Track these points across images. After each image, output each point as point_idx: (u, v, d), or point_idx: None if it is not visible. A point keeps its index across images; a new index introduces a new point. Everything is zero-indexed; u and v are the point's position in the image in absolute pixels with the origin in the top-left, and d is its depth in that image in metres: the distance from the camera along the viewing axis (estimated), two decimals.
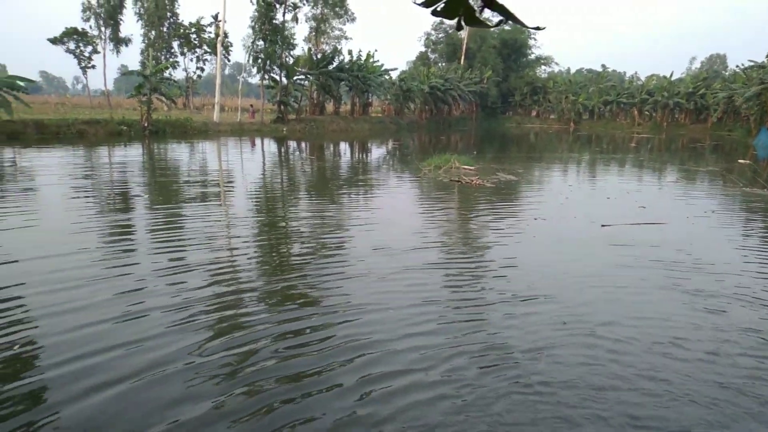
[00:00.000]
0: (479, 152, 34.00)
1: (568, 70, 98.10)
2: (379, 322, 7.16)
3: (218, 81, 47.79)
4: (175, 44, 62.04)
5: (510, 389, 5.57)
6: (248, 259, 10.19)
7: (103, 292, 8.02)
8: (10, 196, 15.90)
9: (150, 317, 7.17)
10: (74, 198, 15.92)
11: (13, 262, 9.35)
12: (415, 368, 6.00)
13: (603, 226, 13.24)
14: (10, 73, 33.29)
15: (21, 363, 5.89)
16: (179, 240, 11.35)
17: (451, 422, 4.98)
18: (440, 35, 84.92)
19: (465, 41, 78.89)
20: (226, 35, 50.12)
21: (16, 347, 6.15)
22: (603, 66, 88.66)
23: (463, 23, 2.97)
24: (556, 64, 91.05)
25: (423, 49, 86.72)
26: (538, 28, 2.97)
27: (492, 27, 3.22)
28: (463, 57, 78.89)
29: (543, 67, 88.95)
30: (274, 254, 10.69)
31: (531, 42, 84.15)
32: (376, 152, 36.51)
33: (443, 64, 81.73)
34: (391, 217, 14.46)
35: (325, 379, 5.72)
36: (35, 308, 7.29)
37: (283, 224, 13.47)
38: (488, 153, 34.60)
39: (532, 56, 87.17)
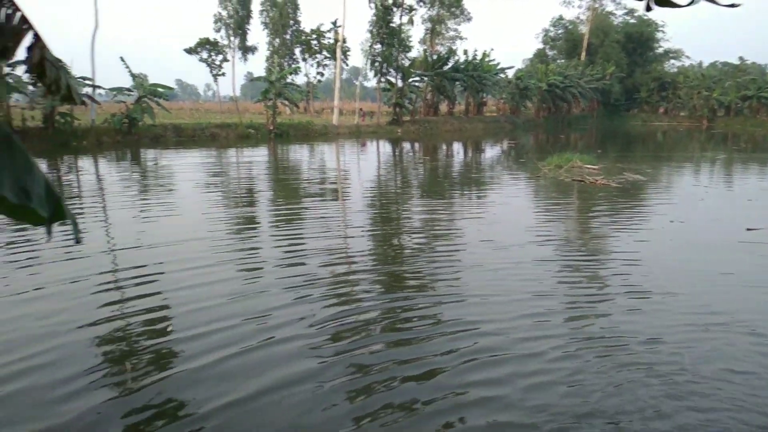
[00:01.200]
0: (603, 151, 32.36)
1: (700, 63, 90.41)
2: (490, 312, 7.02)
3: (337, 85, 49.49)
4: (297, 51, 65.13)
5: (629, 376, 5.25)
6: (362, 248, 10.46)
7: (229, 271, 8.67)
8: (153, 190, 17.56)
9: (269, 293, 7.68)
10: (206, 193, 17.21)
11: (154, 246, 10.28)
12: (526, 353, 5.83)
13: (748, 229, 11.96)
14: (151, 81, 36.64)
15: (157, 329, 6.49)
16: (298, 229, 11.93)
17: (567, 405, 4.79)
18: (559, 31, 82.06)
19: (586, 36, 75.58)
20: (344, 40, 51.73)
21: (170, 329, 6.68)
22: (741, 58, 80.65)
23: (652, 5, 2.80)
24: (687, 57, 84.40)
25: (541, 45, 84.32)
26: (732, 5, 2.70)
27: (683, 6, 2.95)
28: (584, 52, 75.61)
29: (672, 61, 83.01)
30: (386, 244, 10.86)
31: (658, 35, 78.87)
32: (491, 152, 35.94)
33: (562, 60, 78.82)
34: (505, 213, 14.14)
35: (433, 360, 5.71)
36: (171, 284, 8.04)
37: (396, 218, 13.66)
38: (612, 152, 32.79)
39: (660, 50, 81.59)
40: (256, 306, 7.16)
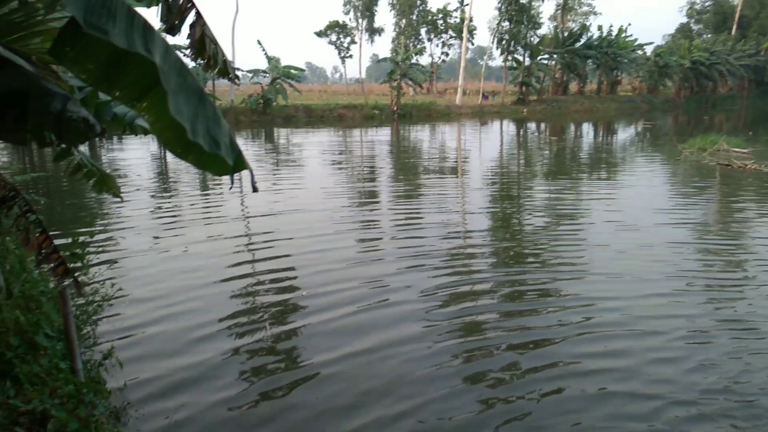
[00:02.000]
0: (754, 134, 29.22)
1: None
2: (611, 290, 6.76)
3: (462, 64, 48.95)
4: (423, 31, 65.07)
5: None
6: (480, 224, 10.45)
7: (349, 240, 9.14)
8: (283, 166, 18.64)
9: (385, 261, 7.97)
10: (332, 168, 17.94)
11: (283, 213, 11.01)
12: (649, 330, 5.56)
13: None
14: (284, 64, 38.48)
15: (283, 286, 7.00)
16: (416, 204, 12.15)
17: (694, 381, 4.57)
18: (706, 3, 74.53)
19: (739, 7, 67.98)
20: (471, 19, 50.91)
21: (304, 293, 7.16)
22: None
23: None
24: None
25: (684, 19, 77.13)
26: None
27: None
28: (735, 26, 68.09)
29: None
30: (505, 222, 10.71)
31: None
32: (624, 134, 33.78)
33: (708, 35, 71.62)
34: (637, 195, 13.28)
35: (546, 330, 5.62)
36: (297, 248, 8.60)
37: (517, 196, 13.38)
38: (766, 135, 29.51)
39: None
40: (372, 272, 7.50)
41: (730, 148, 20.78)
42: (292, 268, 7.72)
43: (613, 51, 52.31)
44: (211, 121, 2.48)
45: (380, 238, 9.29)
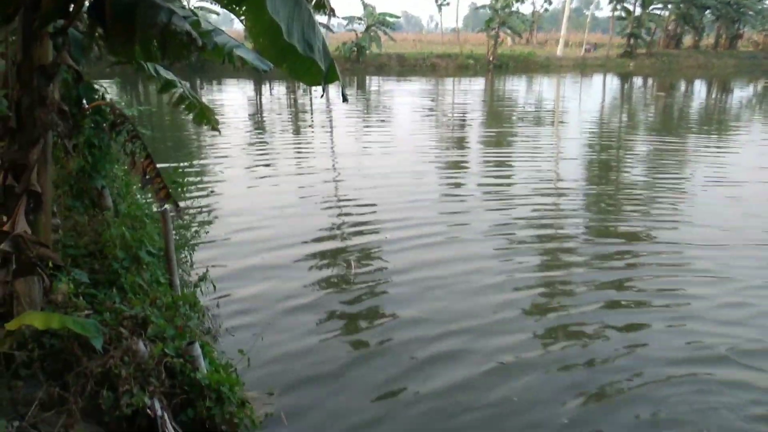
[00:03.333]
0: None
1: None
2: (714, 259, 6.29)
3: (565, 14, 46.38)
4: None
5: None
6: (573, 172, 10.10)
7: (433, 180, 9.26)
8: (375, 113, 18.67)
9: (470, 226, 7.67)
10: (422, 115, 17.71)
11: (365, 154, 11.01)
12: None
13: None
14: (378, 11, 37.90)
15: (367, 222, 7.10)
16: (508, 151, 11.88)
17: None
18: None
19: None
20: None
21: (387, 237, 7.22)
22: None
23: None
24: None
25: None
26: None
27: None
28: None
29: None
30: (601, 171, 10.24)
31: None
32: (741, 92, 30.89)
33: None
34: (751, 160, 12.01)
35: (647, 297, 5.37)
36: (379, 186, 8.57)
37: (616, 148, 12.71)
38: None
39: None
40: (454, 213, 7.79)
41: None
42: (374, 204, 7.94)
43: (735, 1, 47.40)
44: (306, 25, 2.52)
45: (465, 183, 9.34)
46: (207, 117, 5.19)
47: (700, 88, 32.92)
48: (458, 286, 5.58)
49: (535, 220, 7.61)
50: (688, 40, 52.81)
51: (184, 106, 4.99)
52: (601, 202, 8.39)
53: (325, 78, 2.70)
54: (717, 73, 42.71)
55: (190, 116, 5.01)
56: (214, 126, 5.32)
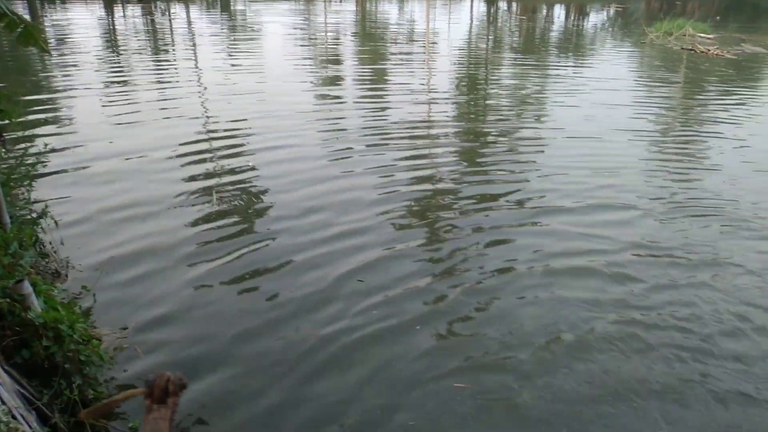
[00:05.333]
0: (722, 20, 28.82)
1: None
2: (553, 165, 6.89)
3: None
4: None
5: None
6: (446, 100, 10.35)
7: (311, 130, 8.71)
8: (241, 37, 17.68)
9: (347, 140, 7.85)
10: (293, 52, 16.83)
11: (243, 109, 10.32)
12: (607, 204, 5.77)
13: None
14: None
15: (248, 184, 6.60)
16: (381, 72, 11.86)
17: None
18: None
19: None
20: None
21: (250, 163, 6.83)
22: None
23: None
24: None
25: None
26: None
27: None
28: None
29: None
30: (469, 93, 10.65)
31: None
32: (595, 17, 32.92)
33: None
34: (598, 83, 12.88)
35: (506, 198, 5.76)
36: (257, 137, 7.87)
37: (484, 78, 13.14)
38: (733, 23, 29.15)
39: None
40: (333, 149, 7.46)
41: (695, 32, 20.54)
42: (247, 136, 7.57)
43: None
44: None
45: (341, 98, 9.48)
46: (34, 37, 4.63)
47: (559, 12, 34.55)
48: (333, 198, 5.70)
49: (408, 126, 8.20)
50: None
51: (3, 24, 4.39)
52: (470, 111, 9.19)
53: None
54: None
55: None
56: (43, 48, 4.76)
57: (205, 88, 10.44)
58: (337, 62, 13.80)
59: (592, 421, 3.05)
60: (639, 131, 8.76)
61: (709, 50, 17.46)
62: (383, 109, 9.59)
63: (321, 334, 3.68)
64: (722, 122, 9.41)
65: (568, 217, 5.56)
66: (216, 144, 7.36)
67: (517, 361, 3.48)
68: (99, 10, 22.87)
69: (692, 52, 17.44)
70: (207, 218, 5.25)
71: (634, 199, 6.07)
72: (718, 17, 29.13)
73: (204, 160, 6.76)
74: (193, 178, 6.18)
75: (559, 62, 16.02)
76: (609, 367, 3.44)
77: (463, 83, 12.45)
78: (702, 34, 20.41)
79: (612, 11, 36.36)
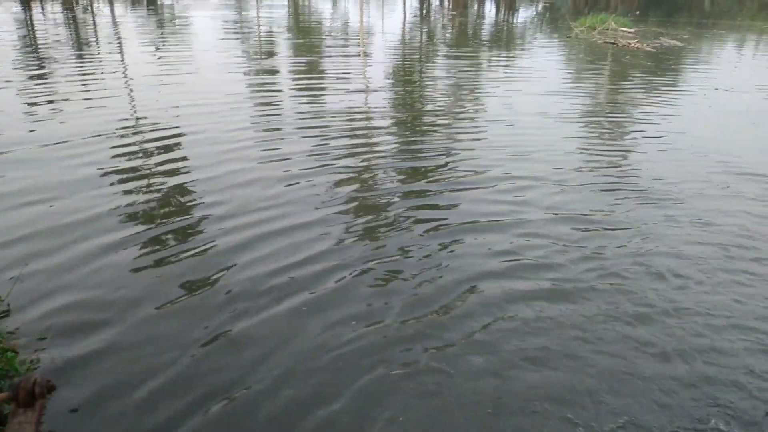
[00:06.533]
0: (642, 15, 30.24)
1: None
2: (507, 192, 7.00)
3: None
4: None
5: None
6: (382, 92, 10.42)
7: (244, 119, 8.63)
8: (170, 32, 17.15)
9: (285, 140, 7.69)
10: (225, 47, 16.44)
11: (174, 107, 9.69)
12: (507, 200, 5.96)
13: None
14: None
15: (177, 189, 6.51)
16: (317, 62, 11.79)
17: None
18: None
19: None
20: None
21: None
22: None
23: None
24: None
25: None
26: None
27: None
28: None
29: None
30: (406, 95, 10.71)
31: None
32: (524, 12, 33.84)
33: None
34: (532, 80, 13.16)
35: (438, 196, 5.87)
36: (187, 135, 7.63)
37: (418, 71, 13.32)
38: (652, 17, 30.63)
39: None
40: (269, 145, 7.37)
41: (617, 27, 21.48)
42: (183, 166, 7.17)
43: None
44: None
45: (278, 106, 9.14)
46: None
47: (490, 7, 35.34)
48: (266, 190, 5.52)
49: (347, 115, 8.33)
50: None
51: None
52: (404, 101, 9.48)
53: None
54: None
55: None
56: None
57: (132, 79, 10.32)
58: (271, 54, 13.86)
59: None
60: (563, 117, 9.24)
61: (630, 43, 18.31)
62: (319, 97, 9.83)
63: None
64: (641, 110, 9.98)
65: (492, 193, 5.92)
66: (143, 132, 7.28)
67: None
68: (15, 7, 21.67)
69: (614, 45, 18.23)
70: (130, 211, 5.05)
71: (552, 172, 6.55)
72: (638, 12, 30.53)
73: (131, 150, 6.61)
74: (117, 169, 5.99)
75: (490, 55, 16.47)
76: (531, 344, 3.55)
77: (398, 74, 12.69)
78: (624, 28, 21.39)
79: (540, 6, 37.46)
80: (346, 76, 11.73)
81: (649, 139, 8.21)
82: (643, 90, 11.92)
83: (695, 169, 6.99)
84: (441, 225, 5.12)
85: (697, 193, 6.16)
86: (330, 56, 14.36)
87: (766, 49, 21.38)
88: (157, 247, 4.51)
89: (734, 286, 4.27)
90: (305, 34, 17.44)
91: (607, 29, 21.21)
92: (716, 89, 12.06)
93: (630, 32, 20.96)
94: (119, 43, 14.63)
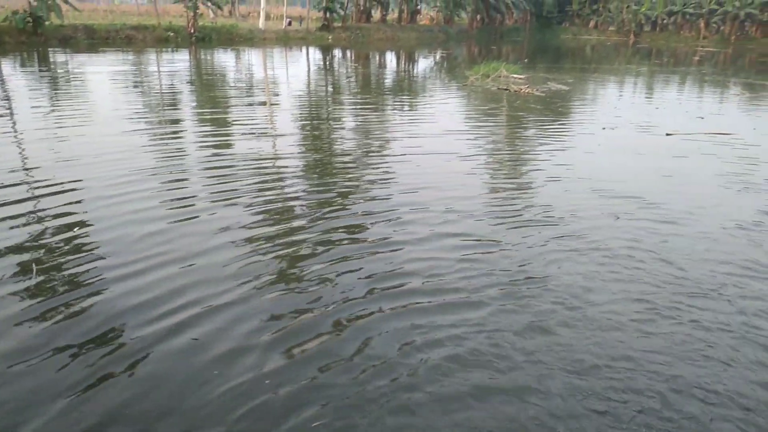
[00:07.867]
0: (530, 62, 32.73)
1: None
2: (415, 223, 7.27)
3: None
4: None
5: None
6: (291, 147, 10.53)
7: (153, 189, 8.45)
8: (64, 92, 16.49)
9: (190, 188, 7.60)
10: (126, 101, 16.20)
11: (71, 159, 9.42)
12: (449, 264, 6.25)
13: (668, 134, 12.79)
14: None
15: (77, 250, 6.13)
16: (225, 135, 11.72)
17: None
18: None
19: None
20: None
21: (75, 229, 6.23)
22: None
23: None
24: None
25: None
26: None
27: None
28: None
29: None
30: (314, 141, 10.93)
31: None
32: (423, 62, 35.60)
33: None
34: (434, 123, 13.87)
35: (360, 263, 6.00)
36: (90, 201, 7.18)
37: (325, 118, 13.69)
38: (540, 64, 33.23)
39: None
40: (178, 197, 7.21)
41: (509, 74, 23.09)
42: (86, 231, 6.94)
43: None
44: None
45: (183, 149, 9.08)
46: None
47: (391, 58, 36.86)
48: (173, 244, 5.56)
49: (254, 162, 8.54)
50: (376, 15, 58.33)
51: None
52: (313, 146, 10.17)
53: None
54: (403, 45, 48.30)
55: None
56: None
57: (22, 135, 10.22)
58: (174, 106, 13.97)
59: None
60: (463, 155, 10.14)
61: (521, 89, 19.75)
62: (225, 146, 10.26)
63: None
64: (534, 148, 11.04)
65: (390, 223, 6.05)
66: (38, 194, 7.10)
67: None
68: None
69: (507, 91, 19.60)
70: (26, 294, 4.76)
71: (454, 202, 7.31)
72: (526, 59, 32.98)
73: (22, 217, 6.35)
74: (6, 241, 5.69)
75: (393, 102, 17.39)
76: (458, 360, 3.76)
77: (305, 122, 13.23)
78: (515, 75, 23.03)
79: (438, 56, 39.57)
80: (253, 123, 12.39)
81: (543, 172, 9.14)
82: (535, 131, 13.03)
83: (583, 196, 7.92)
84: (343, 251, 5.72)
85: (585, 216, 7.03)
86: (236, 106, 14.73)
87: (641, 89, 23.79)
88: (40, 299, 4.58)
89: (621, 292, 5.07)
90: (209, 86, 17.47)
91: (500, 76, 22.74)
92: (603, 128, 13.29)
93: (521, 78, 22.59)
94: (7, 100, 14.09)
